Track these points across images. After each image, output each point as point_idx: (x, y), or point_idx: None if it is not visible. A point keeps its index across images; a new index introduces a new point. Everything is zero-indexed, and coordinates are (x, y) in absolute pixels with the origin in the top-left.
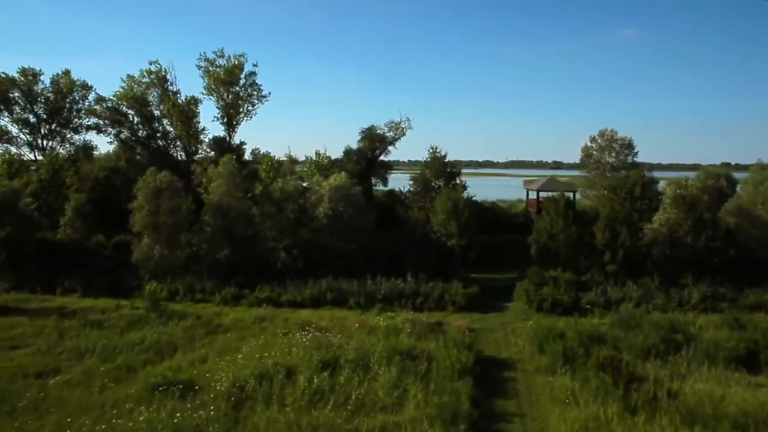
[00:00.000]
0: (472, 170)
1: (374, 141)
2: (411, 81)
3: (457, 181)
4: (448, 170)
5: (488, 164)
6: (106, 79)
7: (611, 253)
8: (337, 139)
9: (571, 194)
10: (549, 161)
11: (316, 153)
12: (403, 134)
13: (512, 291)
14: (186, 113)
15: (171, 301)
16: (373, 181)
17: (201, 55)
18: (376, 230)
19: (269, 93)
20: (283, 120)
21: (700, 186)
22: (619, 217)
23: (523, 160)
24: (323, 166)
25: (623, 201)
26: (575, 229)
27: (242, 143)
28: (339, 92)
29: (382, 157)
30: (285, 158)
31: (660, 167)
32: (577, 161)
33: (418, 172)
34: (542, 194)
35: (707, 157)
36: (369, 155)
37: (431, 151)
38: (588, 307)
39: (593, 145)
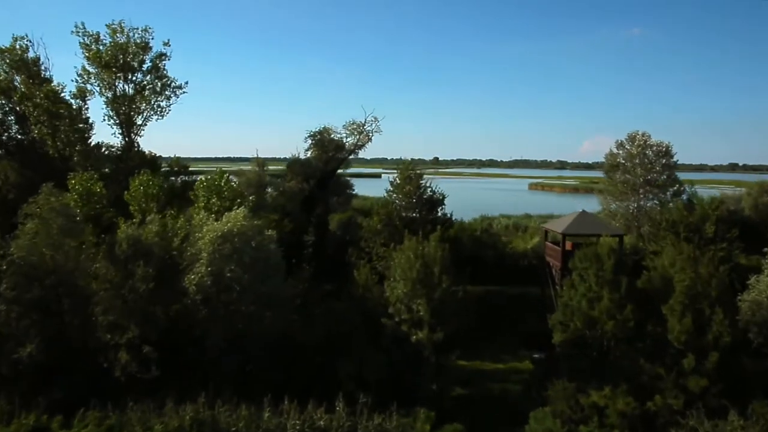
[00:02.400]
0: (475, 170)
1: (328, 149)
2: (413, 80)
3: (439, 213)
4: (426, 196)
5: (492, 164)
6: None
7: (696, 356)
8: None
9: (616, 239)
10: (553, 161)
11: (219, 172)
12: (369, 140)
13: (522, 408)
14: (47, 108)
15: None
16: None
17: (78, 27)
18: (312, 295)
19: (186, 83)
20: (274, 120)
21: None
22: (708, 290)
23: (527, 160)
24: (225, 192)
25: (711, 265)
26: (631, 311)
27: (142, 151)
28: (338, 92)
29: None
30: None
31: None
32: (582, 161)
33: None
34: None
35: (713, 158)
36: (322, 168)
37: (402, 169)
38: None
39: (620, 151)
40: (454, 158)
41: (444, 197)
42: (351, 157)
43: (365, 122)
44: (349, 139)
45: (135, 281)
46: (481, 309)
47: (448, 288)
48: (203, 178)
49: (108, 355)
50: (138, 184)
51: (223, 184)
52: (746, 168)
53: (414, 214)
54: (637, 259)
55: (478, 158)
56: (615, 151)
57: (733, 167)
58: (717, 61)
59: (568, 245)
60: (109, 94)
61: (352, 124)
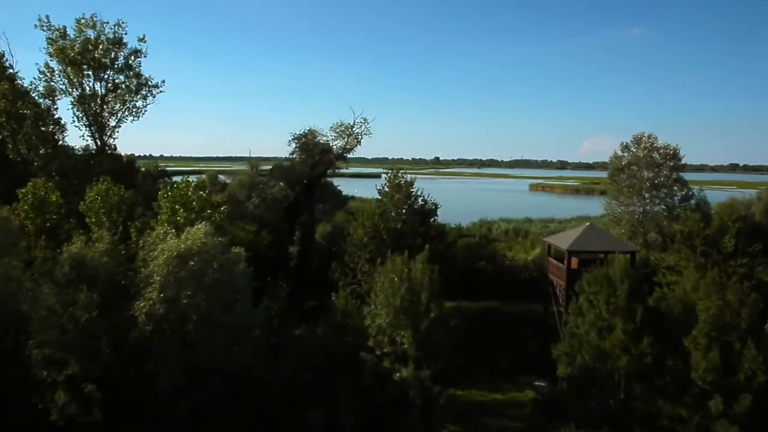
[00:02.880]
0: (475, 170)
1: (314, 153)
2: (414, 80)
3: (433, 222)
4: (417, 205)
5: (492, 163)
6: None
7: (725, 397)
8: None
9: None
10: (554, 161)
11: (185, 181)
12: (358, 143)
13: None
14: (5, 108)
15: None
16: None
17: (41, 21)
18: (288, 317)
19: (163, 82)
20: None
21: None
22: (737, 321)
23: (527, 159)
24: (193, 202)
25: (741, 291)
26: (649, 345)
27: (116, 154)
28: (339, 92)
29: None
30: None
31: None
32: (582, 161)
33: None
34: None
35: (713, 158)
36: (308, 173)
37: (390, 177)
38: None
39: (625, 154)
40: (455, 158)
41: (437, 207)
42: (346, 157)
43: (354, 124)
44: (336, 142)
45: (76, 308)
46: (477, 328)
47: (438, 317)
48: (167, 187)
49: (44, 394)
50: (95, 194)
51: (190, 193)
52: (747, 168)
53: (403, 226)
54: (647, 273)
55: (478, 158)
56: (620, 153)
57: (733, 167)
58: (717, 61)
59: (574, 263)
60: (76, 93)
61: (340, 125)
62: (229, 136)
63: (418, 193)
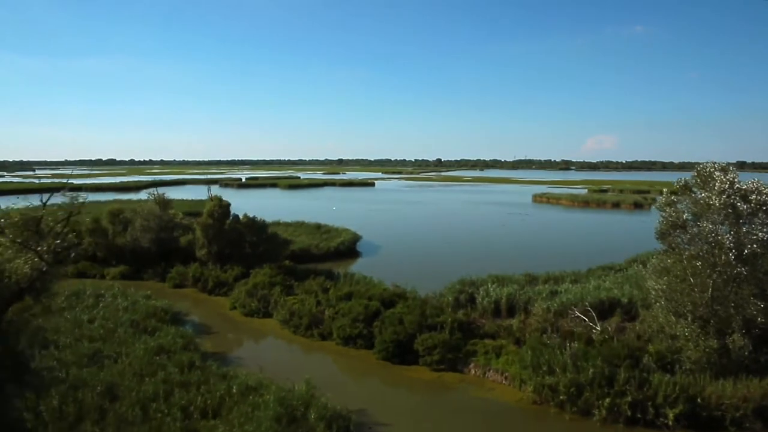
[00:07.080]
0: (476, 173)
1: None
2: (416, 81)
3: None
4: None
5: (495, 164)
6: (114, 78)
7: None
8: (331, 144)
9: None
10: (557, 160)
11: None
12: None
13: None
14: None
15: None
16: None
17: None
18: None
19: None
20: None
21: None
22: None
23: (530, 159)
24: None
25: None
26: None
27: None
28: (340, 93)
29: None
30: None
31: (672, 167)
32: (586, 161)
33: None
34: None
35: (719, 156)
36: None
37: None
38: None
39: (684, 198)
40: (458, 158)
41: None
42: (47, 287)
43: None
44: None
45: None
46: None
47: None
48: None
49: None
50: None
51: None
52: (755, 166)
53: None
54: None
55: (481, 158)
56: (674, 198)
57: (741, 165)
58: (720, 59)
59: None
60: None
61: None
62: (229, 139)
63: None
